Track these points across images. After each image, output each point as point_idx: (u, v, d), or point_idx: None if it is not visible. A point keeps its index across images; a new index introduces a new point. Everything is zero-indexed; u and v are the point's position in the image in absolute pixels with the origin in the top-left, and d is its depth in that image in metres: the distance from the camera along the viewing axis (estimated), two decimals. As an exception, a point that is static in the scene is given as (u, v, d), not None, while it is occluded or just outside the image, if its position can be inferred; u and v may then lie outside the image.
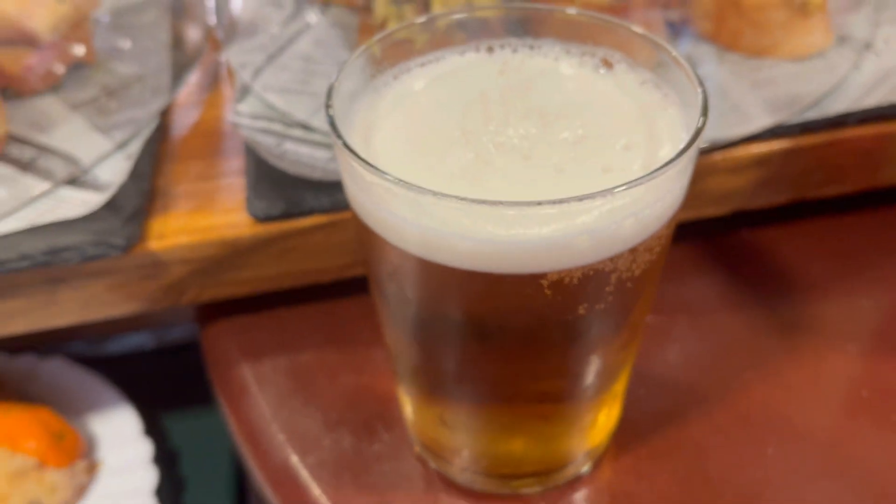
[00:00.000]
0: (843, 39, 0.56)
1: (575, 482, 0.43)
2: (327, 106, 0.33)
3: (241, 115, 0.52)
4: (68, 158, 0.50)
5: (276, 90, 0.54)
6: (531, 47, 0.38)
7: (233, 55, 0.56)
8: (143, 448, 0.59)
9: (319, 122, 0.51)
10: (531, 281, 0.30)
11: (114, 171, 0.49)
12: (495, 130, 0.34)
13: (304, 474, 0.43)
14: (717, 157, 0.50)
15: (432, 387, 0.39)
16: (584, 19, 0.37)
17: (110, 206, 0.47)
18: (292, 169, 0.48)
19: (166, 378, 0.69)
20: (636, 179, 0.29)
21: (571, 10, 0.38)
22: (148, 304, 0.49)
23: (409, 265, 0.32)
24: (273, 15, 0.59)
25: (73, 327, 0.71)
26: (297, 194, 0.47)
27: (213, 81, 0.59)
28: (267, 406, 0.47)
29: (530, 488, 0.42)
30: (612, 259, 0.31)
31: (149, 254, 0.46)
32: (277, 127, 0.52)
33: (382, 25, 0.54)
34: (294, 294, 0.52)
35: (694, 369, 0.47)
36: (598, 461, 0.43)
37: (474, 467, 0.41)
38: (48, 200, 0.48)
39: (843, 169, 0.52)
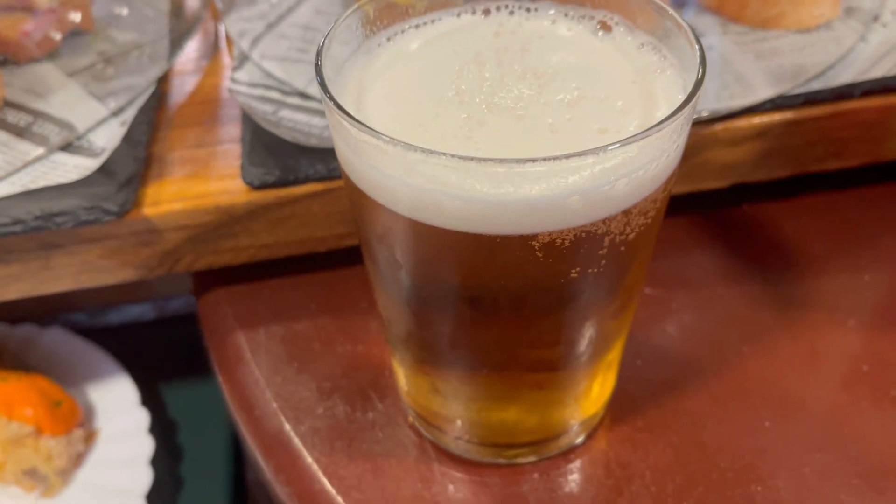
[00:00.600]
0: (850, 10, 0.55)
1: (569, 452, 0.42)
2: (317, 63, 0.32)
3: (238, 83, 0.52)
4: (63, 124, 0.50)
5: (275, 58, 0.53)
6: (528, 9, 0.38)
7: (231, 23, 0.56)
8: (140, 417, 0.59)
9: (317, 90, 0.51)
10: (522, 243, 0.30)
11: (108, 137, 0.49)
12: (489, 91, 0.34)
13: (297, 442, 0.43)
14: (718, 127, 0.49)
15: (424, 354, 0.39)
16: (583, -19, 0.37)
17: (105, 171, 0.47)
18: (288, 136, 0.48)
19: (166, 349, 0.69)
20: (628, 138, 0.28)
21: (570, -28, 0.37)
22: (143, 271, 0.48)
23: (399, 227, 0.32)
24: (272, -17, 0.59)
25: (73, 298, 0.71)
26: (293, 162, 0.47)
27: (212, 50, 0.59)
28: (261, 374, 0.47)
29: (524, 458, 0.42)
30: (604, 221, 0.30)
31: (143, 220, 0.46)
32: (274, 95, 0.51)
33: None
34: (291, 263, 0.51)
35: (691, 341, 0.47)
36: (593, 431, 0.43)
37: (468, 436, 0.41)
38: (42, 166, 0.48)
39: (847, 142, 0.52)
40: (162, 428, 0.63)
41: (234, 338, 0.49)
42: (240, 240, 0.48)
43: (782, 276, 0.50)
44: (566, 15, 0.38)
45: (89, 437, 0.59)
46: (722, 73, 0.51)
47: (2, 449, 0.54)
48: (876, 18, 0.54)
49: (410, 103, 0.34)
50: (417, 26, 0.37)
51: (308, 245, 0.50)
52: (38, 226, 0.44)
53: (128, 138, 0.49)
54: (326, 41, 0.33)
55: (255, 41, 0.55)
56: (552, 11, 0.38)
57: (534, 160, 0.27)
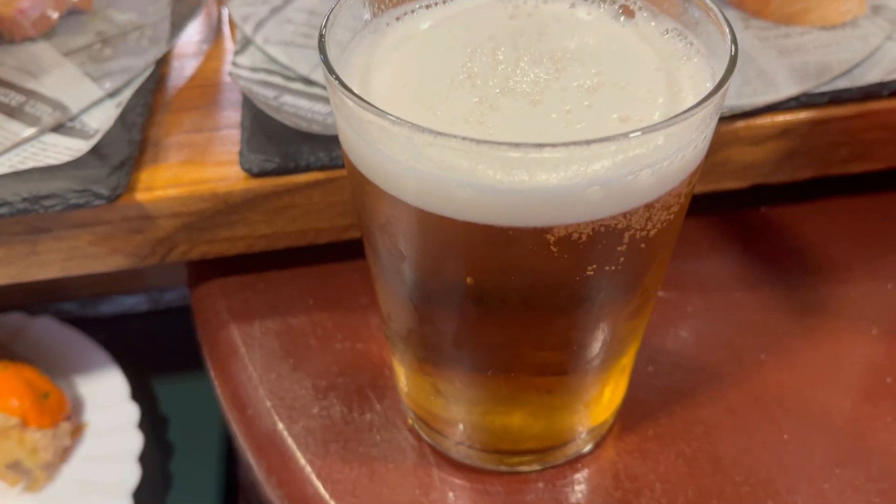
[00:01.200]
0: (877, 8, 0.53)
1: (576, 461, 0.40)
2: (320, 41, 0.30)
3: (240, 67, 0.50)
4: (56, 105, 0.48)
5: (278, 43, 0.51)
6: (546, -8, 0.36)
7: (235, 7, 0.54)
8: (129, 412, 0.57)
9: (321, 76, 0.49)
10: (535, 236, 0.28)
11: (102, 119, 0.47)
12: (503, 75, 0.31)
13: (290, 442, 0.41)
14: (740, 125, 0.47)
15: (426, 352, 0.36)
16: (604, -37, 0.35)
17: (97, 154, 0.45)
18: (290, 122, 0.46)
19: (159, 342, 0.67)
20: (655, 124, 0.26)
21: (591, -47, 0.35)
22: (134, 259, 0.46)
23: (404, 216, 0.30)
24: (278, -34, 0.56)
25: (65, 287, 0.69)
26: (294, 149, 0.45)
27: (214, 33, 0.57)
28: (255, 370, 0.45)
29: (528, 466, 0.40)
30: (625, 215, 0.28)
31: (135, 205, 0.44)
32: (277, 80, 0.49)
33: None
34: (288, 256, 0.49)
35: (706, 348, 0.45)
36: (602, 440, 0.41)
37: (469, 441, 0.39)
38: (32, 146, 0.46)
39: (873, 144, 0.49)
40: (152, 423, 0.61)
41: (227, 331, 0.47)
42: (236, 229, 0.46)
43: (802, 281, 0.48)
44: (586, -1, 0.36)
45: (76, 431, 0.57)
46: (744, 69, 0.48)
47: (-15, 441, 0.52)
48: (905, 17, 0.52)
49: (419, 85, 0.32)
50: (428, 6, 0.35)
51: (307, 236, 0.48)
52: (25, 208, 0.42)
53: (122, 121, 0.47)
54: (331, 17, 0.31)
55: (259, 25, 0.53)
56: (571, -6, 0.35)
57: (552, 145, 0.25)
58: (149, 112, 0.49)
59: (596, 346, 0.34)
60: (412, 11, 0.35)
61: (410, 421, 0.41)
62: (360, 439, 0.41)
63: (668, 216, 0.30)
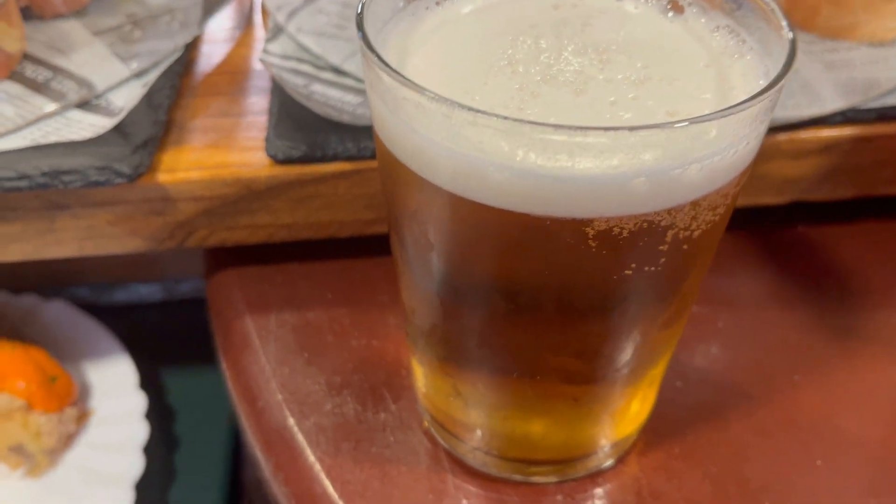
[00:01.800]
0: (928, 27, 0.51)
1: (596, 475, 0.38)
2: (359, 16, 0.29)
3: (271, 55, 0.49)
4: (83, 82, 0.47)
5: (311, 33, 0.50)
6: (592, -17, 0.34)
7: (269, -5, 0.53)
8: (136, 401, 0.56)
9: (353, 66, 0.48)
10: (574, 228, 0.26)
11: (128, 97, 0.46)
12: (546, 63, 0.30)
13: (300, 438, 0.40)
14: (782, 138, 0.45)
15: (448, 351, 0.35)
16: (655, -44, 0.33)
17: (120, 132, 0.44)
18: (319, 110, 0.44)
19: (171, 333, 0.66)
20: (708, 115, 0.24)
21: (640, -54, 0.34)
22: (152, 242, 0.45)
23: (436, 201, 0.28)
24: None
25: (79, 271, 0.68)
26: (322, 138, 0.44)
27: (246, 21, 0.56)
28: (268, 363, 0.43)
29: (545, 477, 0.38)
30: (670, 212, 0.27)
31: (157, 186, 0.43)
32: (307, 68, 0.48)
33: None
34: (307, 249, 0.48)
35: (738, 366, 0.43)
36: (625, 455, 0.39)
37: (487, 448, 0.37)
38: (56, 122, 0.45)
39: (919, 165, 0.48)
40: (159, 415, 0.59)
41: (242, 322, 0.46)
42: (258, 217, 0.45)
43: (839, 304, 0.46)
44: (633, -8, 0.34)
45: (82, 417, 0.56)
46: (788, 81, 0.47)
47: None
48: (957, 37, 0.50)
49: (457, 69, 0.30)
50: (470, -8, 0.34)
51: (329, 229, 0.46)
52: (45, 183, 0.41)
53: (148, 101, 0.46)
54: (369, -4, 0.30)
55: (292, 14, 0.52)
56: (618, -13, 0.34)
57: (598, 129, 0.24)
58: (175, 94, 0.48)
59: (628, 353, 0.33)
60: (453, -4, 0.34)
61: (426, 423, 0.40)
62: (373, 439, 0.39)
63: (714, 217, 0.28)
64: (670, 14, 0.34)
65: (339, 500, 0.37)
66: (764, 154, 0.45)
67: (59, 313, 0.62)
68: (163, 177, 0.43)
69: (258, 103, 0.48)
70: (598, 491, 0.38)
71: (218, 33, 0.55)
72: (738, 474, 0.38)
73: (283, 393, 0.42)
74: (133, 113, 0.44)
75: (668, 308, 0.32)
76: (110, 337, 0.60)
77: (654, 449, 0.39)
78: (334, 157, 0.44)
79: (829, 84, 0.47)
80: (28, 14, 0.51)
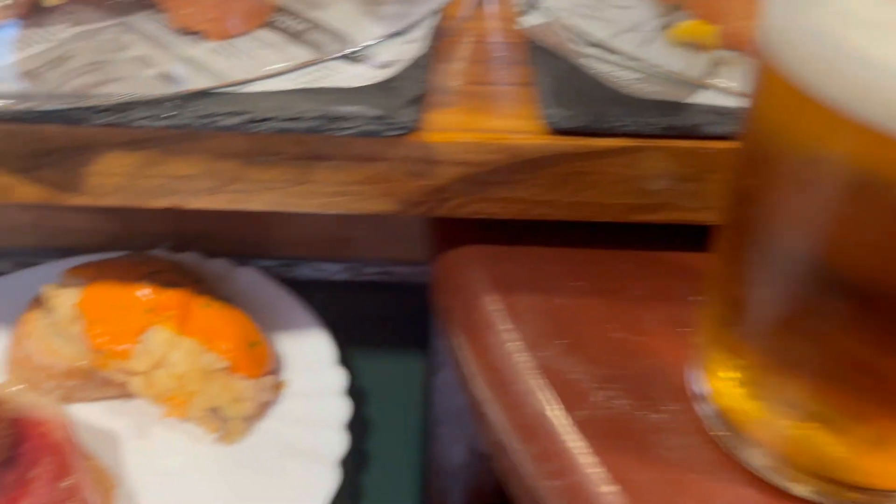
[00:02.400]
0: None
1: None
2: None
3: (532, 24, 0.46)
4: (339, 35, 0.45)
5: (565, 10, 0.48)
6: None
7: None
8: (336, 376, 0.54)
9: (622, 43, 0.45)
10: None
11: (392, 53, 0.44)
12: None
13: (569, 429, 0.36)
14: None
15: (776, 356, 0.31)
16: None
17: (388, 86, 0.41)
18: (594, 81, 0.41)
19: (353, 313, 0.63)
20: None
21: None
22: (403, 206, 0.43)
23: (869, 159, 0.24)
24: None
25: (268, 243, 0.67)
26: (601, 110, 0.40)
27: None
28: (521, 346, 0.40)
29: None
30: None
31: (422, 145, 0.40)
32: (569, 42, 0.45)
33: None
34: (549, 231, 0.45)
35: None
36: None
37: (813, 469, 0.33)
38: (320, 70, 0.43)
39: None
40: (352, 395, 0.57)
41: (485, 301, 0.43)
42: (516, 190, 0.42)
43: None
44: None
45: (278, 387, 0.53)
46: None
47: (196, 378, 0.49)
48: None
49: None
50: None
51: (588, 210, 0.43)
52: (317, 126, 0.39)
53: (413, 59, 0.43)
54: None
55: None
56: None
57: None
58: (435, 58, 0.46)
59: None
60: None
61: (714, 431, 0.36)
62: (653, 440, 0.35)
63: None
64: None
65: (623, 500, 0.33)
66: None
67: (252, 280, 0.60)
68: (429, 136, 0.41)
69: (515, 74, 0.46)
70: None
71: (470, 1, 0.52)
72: None
73: (543, 378, 0.38)
74: (399, 69, 0.42)
75: None
76: (305, 309, 0.58)
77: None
78: (612, 133, 0.40)
79: None
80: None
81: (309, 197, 0.43)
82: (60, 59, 0.42)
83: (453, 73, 0.45)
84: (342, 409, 0.51)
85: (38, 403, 0.47)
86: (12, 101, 0.39)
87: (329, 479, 0.47)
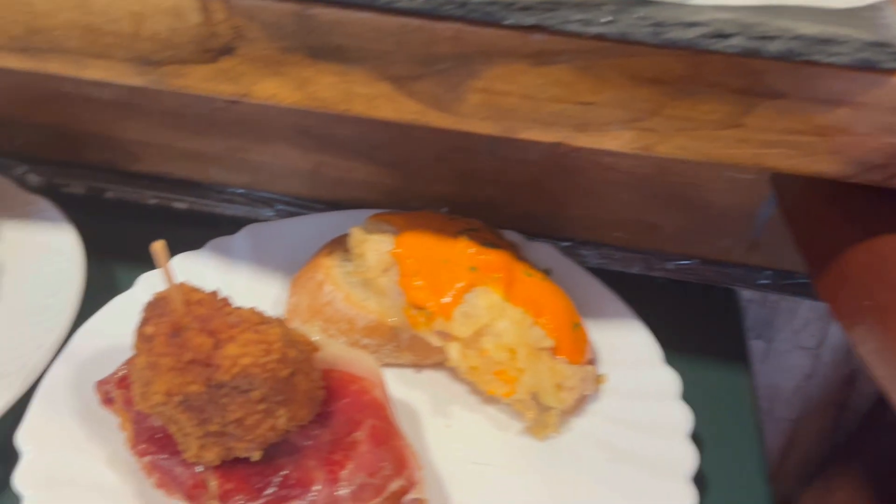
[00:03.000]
0: None
1: None
2: None
3: None
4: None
5: None
6: None
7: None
8: (668, 378, 0.45)
9: None
10: None
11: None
12: None
13: None
14: None
15: None
16: None
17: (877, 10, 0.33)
18: None
19: (679, 317, 0.54)
20: None
21: None
22: (857, 167, 0.34)
23: None
24: None
25: (556, 222, 0.60)
26: None
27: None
28: None
29: None
30: None
31: (910, 91, 0.32)
32: None
33: None
34: None
35: None
36: None
37: None
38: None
39: None
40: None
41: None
42: None
43: None
44: None
45: (598, 381, 0.45)
46: None
47: (526, 355, 0.42)
48: None
49: None
50: None
51: None
52: (792, 50, 0.31)
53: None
54: None
55: None
56: None
57: None
58: None
59: None
60: None
61: None
62: None
63: None
64: None
65: None
66: None
67: (548, 257, 0.53)
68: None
69: None
70: None
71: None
72: None
73: None
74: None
75: None
76: (615, 297, 0.50)
77: None
78: None
79: None
80: None
81: (736, 145, 0.35)
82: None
83: None
84: (682, 416, 0.42)
85: (352, 356, 0.41)
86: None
87: (684, 498, 0.38)
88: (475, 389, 0.46)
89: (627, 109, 0.35)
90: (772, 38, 0.31)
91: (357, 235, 0.46)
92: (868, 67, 0.31)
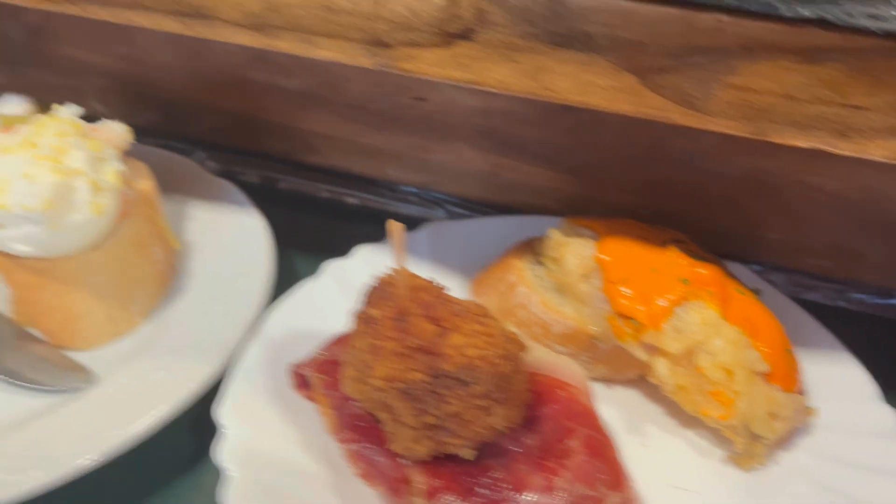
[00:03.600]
0: None
1: None
2: None
3: None
4: None
5: None
6: None
7: None
8: (889, 418, 0.41)
9: None
10: None
11: None
12: None
13: None
14: None
15: None
16: None
17: None
18: None
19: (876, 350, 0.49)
20: None
21: None
22: None
23: None
24: None
25: (749, 247, 0.56)
26: None
27: None
28: None
29: None
30: None
31: None
32: None
33: None
34: None
35: None
36: None
37: None
38: None
39: None
40: None
41: None
42: None
43: None
44: None
45: (809, 413, 0.42)
46: None
47: (743, 378, 0.39)
48: None
49: None
50: None
51: None
52: None
53: None
54: None
55: None
56: None
57: None
58: None
59: None
60: None
61: None
62: None
63: None
64: None
65: None
66: None
67: (745, 278, 0.49)
68: None
69: None
70: None
71: None
72: None
73: None
74: None
75: None
76: (819, 326, 0.46)
77: None
78: None
79: None
80: None
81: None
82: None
83: None
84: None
85: (557, 361, 0.39)
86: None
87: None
88: (673, 410, 0.43)
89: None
90: None
91: (556, 238, 0.45)
92: None
